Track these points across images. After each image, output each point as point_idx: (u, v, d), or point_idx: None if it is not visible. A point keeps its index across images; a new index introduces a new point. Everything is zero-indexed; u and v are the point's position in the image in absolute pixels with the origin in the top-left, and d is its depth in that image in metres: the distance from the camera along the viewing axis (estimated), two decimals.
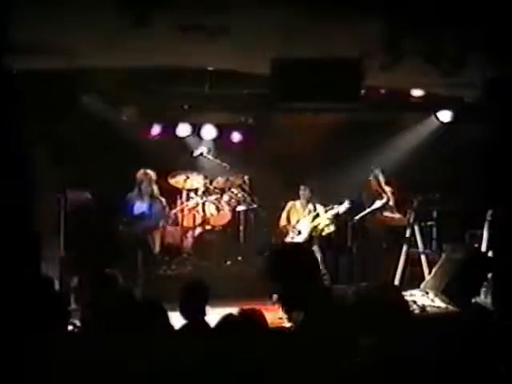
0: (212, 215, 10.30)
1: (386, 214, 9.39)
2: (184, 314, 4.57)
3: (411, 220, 9.24)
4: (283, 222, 9.66)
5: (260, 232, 10.64)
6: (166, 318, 4.00)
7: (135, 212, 8.75)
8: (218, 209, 10.32)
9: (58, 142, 8.33)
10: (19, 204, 6.94)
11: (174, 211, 10.16)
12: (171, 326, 4.24)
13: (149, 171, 8.83)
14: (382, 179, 9.34)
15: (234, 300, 7.55)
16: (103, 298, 4.39)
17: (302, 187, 9.54)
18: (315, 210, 9.39)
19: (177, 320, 4.54)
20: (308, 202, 9.50)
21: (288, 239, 9.38)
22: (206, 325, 4.44)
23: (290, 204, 9.67)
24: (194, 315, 4.54)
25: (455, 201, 9.38)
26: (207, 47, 6.29)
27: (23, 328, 3.71)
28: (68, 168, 8.47)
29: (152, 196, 8.82)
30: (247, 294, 8.24)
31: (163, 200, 9.04)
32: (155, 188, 8.89)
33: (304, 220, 9.39)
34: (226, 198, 10.36)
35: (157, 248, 8.94)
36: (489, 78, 6.97)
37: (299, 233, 9.34)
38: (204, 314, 4.58)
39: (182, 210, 10.20)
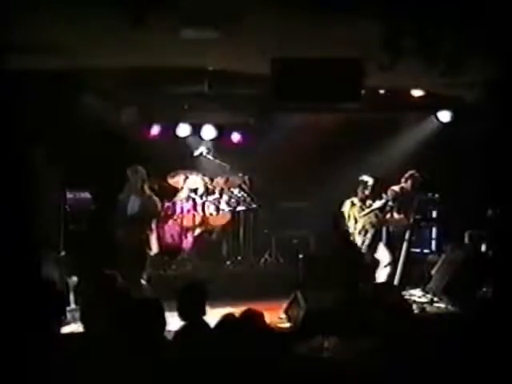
0: (212, 215, 10.29)
1: (386, 213, 9.38)
2: (183, 314, 4.57)
3: (411, 220, 9.24)
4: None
5: (260, 232, 10.64)
6: (164, 318, 3.98)
7: (129, 212, 8.09)
8: (217, 209, 10.31)
9: (57, 142, 8.32)
10: (19, 204, 6.94)
11: (167, 204, 9.89)
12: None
13: (139, 168, 8.14)
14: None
15: (233, 300, 7.56)
16: (103, 298, 4.38)
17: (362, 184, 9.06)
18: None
19: (177, 320, 4.54)
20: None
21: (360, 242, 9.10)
22: (206, 325, 4.44)
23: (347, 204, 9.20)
24: (194, 315, 4.54)
25: (455, 201, 9.38)
26: (207, 47, 6.29)
27: (23, 328, 3.71)
28: (68, 168, 8.45)
29: (144, 194, 8.12)
30: (247, 294, 8.24)
31: (156, 199, 8.30)
32: (146, 186, 8.18)
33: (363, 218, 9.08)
34: (225, 197, 10.35)
35: (154, 249, 8.23)
36: (489, 78, 6.97)
37: (366, 232, 9.18)
38: (204, 313, 4.59)
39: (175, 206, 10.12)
